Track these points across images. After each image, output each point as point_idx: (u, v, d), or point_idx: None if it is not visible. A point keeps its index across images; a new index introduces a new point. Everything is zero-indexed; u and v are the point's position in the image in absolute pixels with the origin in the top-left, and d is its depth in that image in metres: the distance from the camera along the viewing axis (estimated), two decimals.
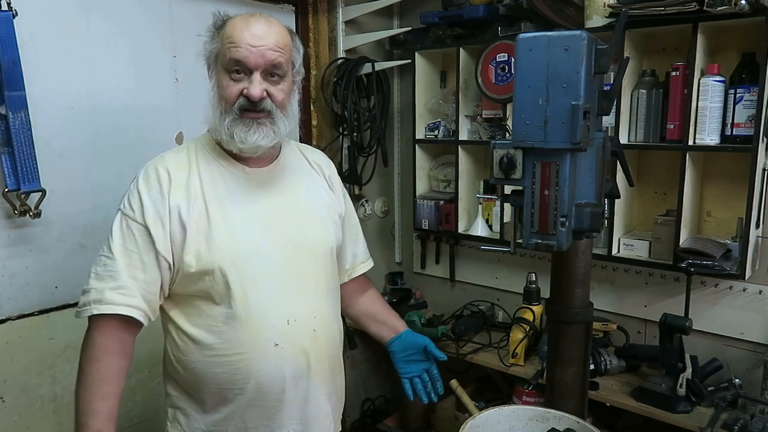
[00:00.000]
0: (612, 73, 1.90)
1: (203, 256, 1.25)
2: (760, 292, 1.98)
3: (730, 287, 2.02)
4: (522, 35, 1.10)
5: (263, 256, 1.31)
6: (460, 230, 2.48)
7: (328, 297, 1.42)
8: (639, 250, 2.08)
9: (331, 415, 1.47)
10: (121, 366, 1.27)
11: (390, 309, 1.70)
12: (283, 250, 1.33)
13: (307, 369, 1.35)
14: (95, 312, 1.22)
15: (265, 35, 1.24)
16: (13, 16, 1.60)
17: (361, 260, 1.64)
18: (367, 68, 2.52)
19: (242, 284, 1.27)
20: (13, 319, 1.76)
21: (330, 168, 1.53)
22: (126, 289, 1.23)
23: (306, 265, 1.37)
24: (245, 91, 1.24)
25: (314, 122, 2.62)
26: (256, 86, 1.25)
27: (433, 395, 1.63)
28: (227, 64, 1.24)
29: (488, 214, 2.46)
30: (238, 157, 1.33)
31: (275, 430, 1.36)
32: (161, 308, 1.33)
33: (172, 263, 1.27)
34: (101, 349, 1.24)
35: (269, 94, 1.27)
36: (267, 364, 1.30)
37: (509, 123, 2.23)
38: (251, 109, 1.26)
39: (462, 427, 1.21)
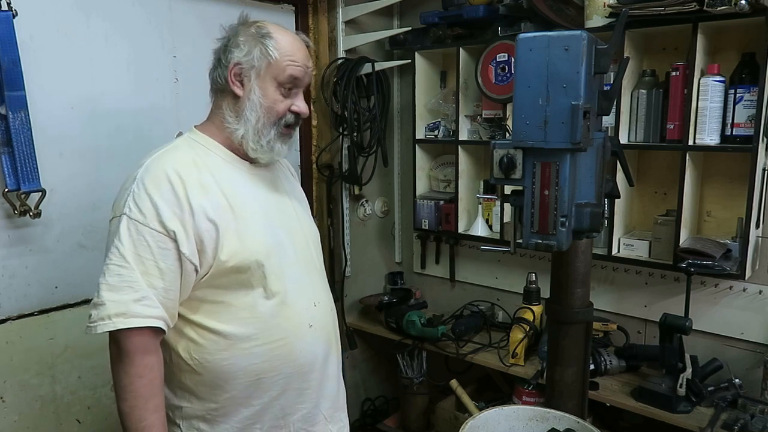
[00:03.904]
0: (612, 73, 1.90)
1: (239, 251, 1.26)
2: (760, 292, 1.97)
3: (730, 287, 2.02)
4: (522, 35, 1.10)
5: (283, 246, 1.35)
6: (460, 230, 2.48)
7: (327, 281, 1.52)
8: (639, 250, 2.08)
9: (344, 390, 1.56)
10: (162, 376, 1.25)
11: None
12: (293, 240, 1.39)
13: (330, 346, 1.44)
14: (121, 326, 1.17)
15: (309, 57, 1.34)
16: (13, 16, 1.60)
17: None
18: (367, 68, 2.52)
19: (276, 274, 1.31)
20: (13, 319, 1.76)
21: (291, 167, 1.61)
22: (148, 299, 1.19)
23: (312, 254, 1.46)
24: (294, 107, 1.32)
25: (314, 122, 2.62)
26: (305, 104, 1.34)
27: None
28: (285, 80, 1.29)
29: (488, 214, 2.46)
30: (240, 154, 1.35)
31: (311, 410, 1.41)
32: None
33: (198, 264, 1.23)
34: (144, 365, 1.20)
35: None
36: (304, 345, 1.36)
37: (509, 123, 2.23)
38: (294, 124, 1.35)
39: (462, 427, 1.21)
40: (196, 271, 1.24)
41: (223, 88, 1.32)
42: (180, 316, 1.28)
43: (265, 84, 1.28)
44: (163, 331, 1.23)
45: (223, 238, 1.24)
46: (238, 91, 1.29)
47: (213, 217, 1.23)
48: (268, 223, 1.34)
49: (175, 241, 1.20)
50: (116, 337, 1.20)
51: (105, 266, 1.19)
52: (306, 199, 1.59)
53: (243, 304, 1.29)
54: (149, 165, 1.25)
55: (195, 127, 1.38)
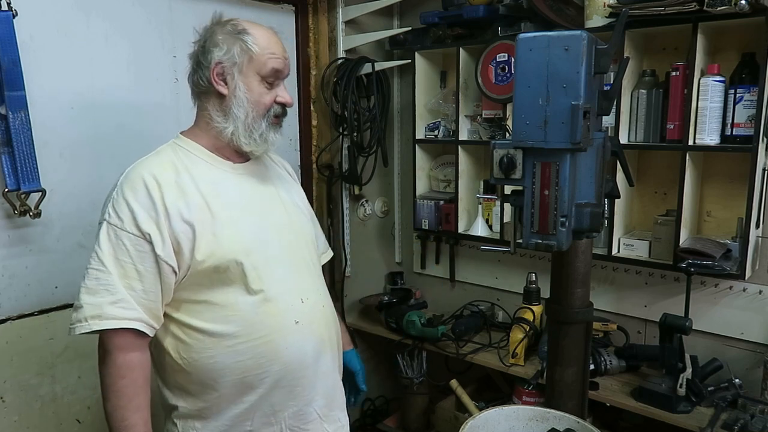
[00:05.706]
0: (612, 73, 1.90)
1: (215, 250, 1.27)
2: (760, 292, 1.97)
3: (730, 287, 2.02)
4: (522, 35, 1.10)
5: (267, 243, 1.35)
6: (460, 230, 2.48)
7: (321, 279, 1.51)
8: (639, 250, 2.08)
9: (343, 389, 1.54)
10: (146, 376, 1.28)
11: (342, 325, 1.70)
12: (280, 237, 1.39)
13: (322, 343, 1.41)
14: (96, 328, 1.21)
15: (285, 48, 1.36)
16: (13, 16, 1.60)
17: (322, 251, 1.69)
18: (367, 68, 2.52)
19: (257, 271, 1.31)
20: (13, 319, 1.76)
21: (289, 166, 1.62)
22: (125, 302, 1.22)
23: (301, 250, 1.44)
24: (279, 98, 1.34)
25: (314, 122, 2.62)
26: (289, 94, 1.37)
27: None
28: (268, 73, 1.31)
29: (488, 214, 2.46)
30: (222, 154, 1.37)
31: (303, 408, 1.40)
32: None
33: (176, 266, 1.26)
34: (124, 365, 1.24)
35: None
36: (291, 342, 1.34)
37: (509, 123, 2.23)
38: (282, 115, 1.37)
39: (462, 427, 1.21)
40: (175, 272, 1.26)
41: (207, 89, 1.33)
42: (166, 315, 1.31)
43: (248, 79, 1.30)
44: (145, 333, 1.25)
45: (200, 238, 1.26)
46: (223, 89, 1.31)
47: (189, 218, 1.25)
48: (251, 221, 1.35)
49: (150, 243, 1.23)
50: (100, 339, 1.25)
51: (85, 270, 1.25)
52: (305, 198, 1.59)
53: (225, 301, 1.30)
54: (129, 171, 1.30)
55: (180, 133, 1.40)
